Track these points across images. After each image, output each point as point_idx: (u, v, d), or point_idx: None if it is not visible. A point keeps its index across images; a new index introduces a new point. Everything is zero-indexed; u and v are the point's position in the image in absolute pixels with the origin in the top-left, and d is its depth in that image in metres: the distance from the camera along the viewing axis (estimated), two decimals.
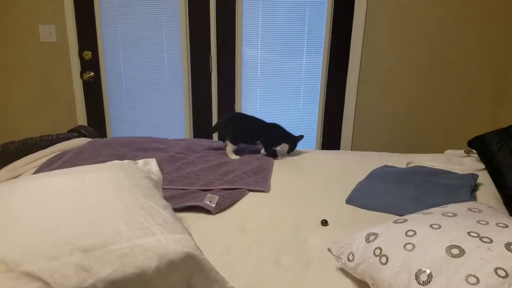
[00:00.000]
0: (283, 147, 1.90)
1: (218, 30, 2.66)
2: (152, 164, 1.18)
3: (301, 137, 1.92)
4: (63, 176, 0.99)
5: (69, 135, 2.04)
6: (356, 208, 1.40)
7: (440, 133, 2.64)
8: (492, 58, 2.45)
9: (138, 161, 1.18)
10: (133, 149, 1.83)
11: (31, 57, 2.81)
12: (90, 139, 2.00)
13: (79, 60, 2.80)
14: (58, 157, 1.73)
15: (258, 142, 1.91)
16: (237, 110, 2.80)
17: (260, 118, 1.93)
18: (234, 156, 1.85)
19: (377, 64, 2.56)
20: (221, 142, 2.01)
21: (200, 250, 0.86)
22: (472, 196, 1.36)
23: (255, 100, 2.78)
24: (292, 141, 1.90)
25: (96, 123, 2.95)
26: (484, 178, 1.48)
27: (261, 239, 1.21)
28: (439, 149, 2.50)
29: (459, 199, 1.34)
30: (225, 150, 1.88)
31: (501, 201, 1.33)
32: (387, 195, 1.41)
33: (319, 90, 2.70)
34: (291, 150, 1.91)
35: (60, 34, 2.75)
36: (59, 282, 0.73)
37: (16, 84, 2.88)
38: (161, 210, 0.93)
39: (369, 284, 0.97)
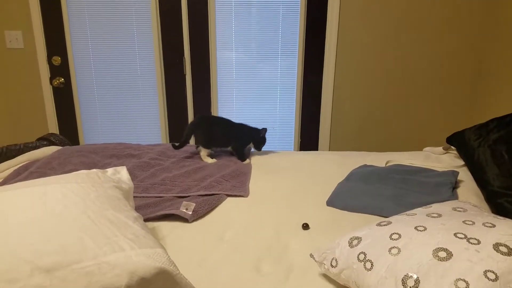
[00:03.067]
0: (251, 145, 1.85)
1: (191, 32, 2.58)
2: (122, 173, 1.10)
3: (265, 130, 1.84)
4: (23, 190, 0.90)
5: (37, 144, 1.92)
6: (337, 210, 1.34)
7: (417, 130, 2.63)
8: (466, 52, 2.46)
9: (108, 169, 1.09)
10: (104, 156, 1.73)
11: None
12: (60, 147, 1.88)
13: (48, 66, 2.67)
14: (25, 167, 1.61)
15: (229, 148, 1.84)
16: (213, 113, 2.72)
17: (227, 118, 1.87)
18: (210, 160, 1.77)
19: (352, 63, 2.54)
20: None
21: (174, 265, 0.78)
22: (453, 194, 1.33)
23: (232, 102, 2.71)
24: (258, 136, 1.83)
25: (68, 130, 2.82)
26: (464, 175, 1.45)
27: (240, 246, 1.15)
28: (417, 147, 2.50)
29: (440, 197, 1.31)
30: (200, 155, 1.80)
31: (482, 198, 1.31)
32: (367, 196, 1.36)
33: (295, 91, 2.65)
34: (260, 147, 1.85)
35: (27, 40, 2.61)
36: None
37: None
38: (131, 222, 0.85)
39: None
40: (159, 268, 0.75)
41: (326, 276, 1.01)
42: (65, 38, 2.62)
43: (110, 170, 1.09)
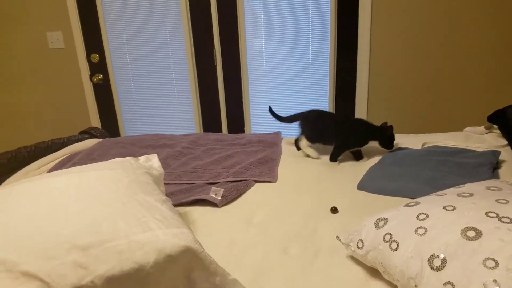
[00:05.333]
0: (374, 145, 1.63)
1: (220, 23, 2.61)
2: (153, 160, 1.16)
3: (391, 127, 1.60)
4: (62, 176, 0.98)
5: (80, 137, 2.04)
6: (368, 193, 1.33)
7: (459, 109, 2.51)
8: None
9: (140, 157, 1.15)
10: (141, 147, 1.81)
11: (41, 64, 2.84)
12: (100, 140, 1.99)
13: (87, 63, 2.81)
14: (69, 159, 1.73)
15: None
16: (244, 101, 2.74)
17: (342, 115, 1.72)
18: (310, 152, 1.65)
19: (388, 43, 2.45)
20: (229, 134, 1.97)
21: (199, 244, 0.82)
22: (493, 175, 1.27)
23: (262, 91, 2.72)
24: (381, 134, 1.59)
25: (109, 123, 2.97)
26: (507, 155, 1.38)
27: (268, 230, 1.17)
28: (458, 127, 2.39)
29: (479, 178, 1.26)
30: (300, 144, 1.69)
31: None
32: (400, 179, 1.33)
33: (328, 77, 2.61)
34: (388, 146, 1.61)
35: (67, 39, 2.77)
36: (57, 281, 0.73)
37: (28, 91, 2.92)
38: (159, 205, 0.90)
39: (381, 272, 0.91)
40: (185, 246, 0.79)
41: (353, 258, 1.01)
42: (101, 36, 2.75)
43: (142, 158, 1.15)
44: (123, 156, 1.66)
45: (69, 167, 1.61)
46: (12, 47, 2.83)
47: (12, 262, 0.73)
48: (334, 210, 1.25)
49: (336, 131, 1.63)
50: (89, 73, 2.84)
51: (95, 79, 2.83)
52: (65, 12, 2.70)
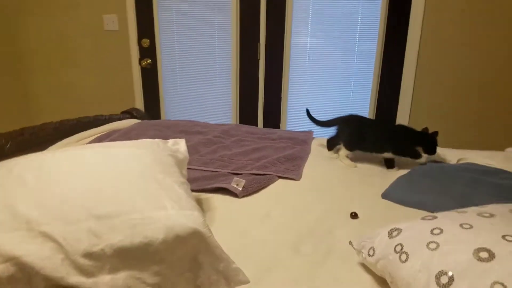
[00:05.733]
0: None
1: (267, 18, 2.63)
2: (181, 144, 1.21)
3: (436, 133, 1.56)
4: (93, 149, 1.04)
5: (121, 116, 2.15)
6: (392, 203, 1.30)
7: (505, 128, 2.37)
8: None
9: (169, 140, 1.21)
10: (175, 131, 1.88)
11: (95, 44, 3.01)
12: (139, 121, 2.09)
13: (138, 47, 2.94)
14: (108, 135, 1.83)
15: (385, 153, 1.59)
16: (283, 97, 2.75)
17: (384, 121, 1.69)
18: (348, 162, 1.61)
19: (438, 49, 2.36)
20: (261, 128, 2.00)
21: (208, 228, 0.85)
22: None
23: (302, 89, 2.71)
24: (426, 140, 1.54)
25: (152, 106, 3.09)
26: None
27: (283, 226, 1.18)
28: (501, 147, 2.26)
29: None
30: (339, 153, 1.67)
31: None
32: (428, 192, 1.29)
33: (371, 80, 2.56)
34: (432, 151, 1.55)
35: (121, 23, 2.91)
36: (71, 244, 0.78)
37: (82, 70, 3.10)
38: (177, 186, 0.94)
39: (388, 282, 0.90)
40: (194, 228, 0.82)
41: (364, 266, 1.00)
42: (153, 22, 2.86)
43: (171, 141, 1.20)
44: (158, 137, 1.74)
45: (108, 142, 1.71)
46: (70, 28, 3.01)
47: (36, 221, 0.80)
48: (354, 215, 1.24)
49: (383, 137, 1.58)
50: (139, 57, 2.96)
51: (143, 63, 2.96)
52: None
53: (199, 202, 1.29)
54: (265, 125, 2.89)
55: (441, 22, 2.31)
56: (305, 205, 1.31)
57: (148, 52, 2.95)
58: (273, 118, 2.86)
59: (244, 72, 2.81)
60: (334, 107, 2.68)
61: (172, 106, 3.05)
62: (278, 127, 2.86)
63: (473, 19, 2.25)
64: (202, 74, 2.90)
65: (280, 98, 2.77)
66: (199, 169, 1.51)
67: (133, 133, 1.84)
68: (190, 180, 1.39)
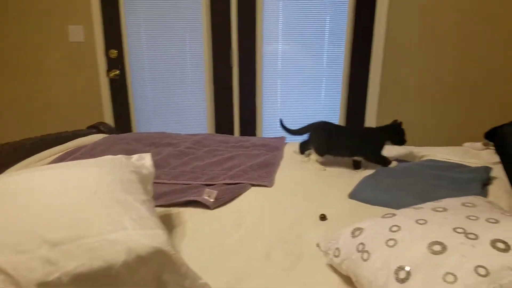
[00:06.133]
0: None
1: (239, 25, 2.67)
2: (146, 159, 1.21)
3: (395, 121, 1.66)
4: (47, 171, 1.01)
5: (87, 132, 2.13)
6: (359, 203, 1.36)
7: (464, 124, 2.49)
8: None
9: (134, 155, 1.22)
10: (145, 144, 1.89)
11: (61, 56, 2.97)
12: (107, 135, 2.08)
13: (105, 58, 2.93)
14: (71, 153, 1.79)
15: (356, 157, 1.69)
16: (257, 104, 2.80)
17: (352, 127, 1.78)
18: (318, 166, 1.68)
19: (403, 51, 2.46)
20: (234, 136, 2.03)
21: (172, 246, 0.86)
22: (483, 190, 1.28)
23: (276, 94, 2.77)
24: (392, 133, 1.65)
25: (122, 119, 3.07)
26: (500, 172, 1.38)
27: (255, 234, 1.21)
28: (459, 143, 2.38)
29: (469, 193, 1.27)
30: (310, 158, 1.73)
31: None
32: (392, 190, 1.36)
33: (341, 83, 2.64)
34: (400, 142, 1.65)
35: (88, 34, 2.89)
36: (23, 275, 0.75)
37: (47, 82, 3.05)
38: (138, 204, 0.94)
39: (353, 281, 0.95)
40: (156, 247, 0.82)
41: (332, 267, 1.05)
42: (121, 33, 2.85)
43: (135, 156, 1.21)
44: (125, 152, 1.72)
45: (70, 161, 1.69)
46: (34, 39, 2.97)
47: None
48: (323, 217, 1.28)
49: (355, 142, 1.67)
50: (106, 68, 2.95)
51: (111, 75, 2.94)
52: (87, 6, 2.82)
53: (168, 217, 1.30)
54: (241, 133, 2.92)
55: (404, 27, 2.41)
56: (277, 211, 1.34)
57: (116, 63, 2.93)
58: (249, 126, 2.90)
59: (218, 80, 2.84)
60: (307, 111, 2.74)
61: (144, 118, 3.05)
62: (254, 134, 2.90)
63: (435, 21, 2.36)
64: (174, 83, 2.91)
65: (255, 105, 2.81)
66: (169, 183, 1.53)
67: (99, 149, 1.82)
68: (159, 195, 1.40)
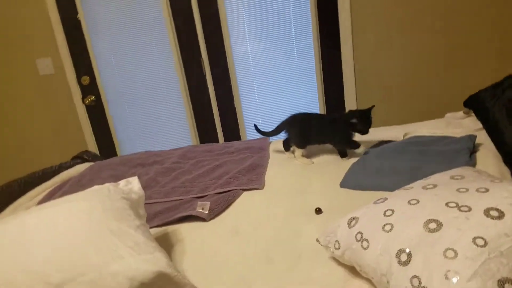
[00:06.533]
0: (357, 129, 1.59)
1: (205, 33, 2.66)
2: (133, 183, 1.19)
3: (369, 108, 1.59)
4: (37, 213, 1.00)
5: (72, 163, 2.10)
6: (351, 190, 1.36)
7: (446, 96, 2.52)
8: (491, 15, 2.32)
9: (120, 181, 1.19)
10: (131, 166, 1.86)
11: (33, 91, 2.91)
12: (92, 163, 2.05)
13: (78, 86, 2.88)
14: (59, 187, 1.77)
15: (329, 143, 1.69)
16: (237, 106, 2.79)
17: (322, 113, 1.73)
18: (305, 161, 1.67)
19: (368, 34, 2.48)
20: (217, 144, 2.02)
21: (173, 267, 0.86)
22: (471, 159, 1.29)
23: (253, 94, 2.76)
24: (358, 116, 1.57)
25: (105, 144, 3.03)
26: (485, 137, 1.40)
27: (254, 239, 1.20)
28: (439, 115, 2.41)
29: (458, 164, 1.28)
30: (294, 155, 1.72)
31: (501, 159, 1.26)
32: (381, 173, 1.36)
33: (314, 73, 2.64)
34: (363, 129, 1.58)
35: (57, 65, 2.84)
36: None
37: (23, 120, 2.99)
38: (133, 231, 0.93)
39: (358, 270, 0.94)
40: (157, 271, 0.82)
41: (335, 259, 1.05)
42: (90, 58, 2.81)
43: (122, 182, 1.19)
44: (113, 178, 1.71)
45: (60, 196, 1.65)
46: (2, 76, 2.90)
47: None
48: (318, 211, 1.28)
49: (323, 129, 1.66)
50: (81, 96, 2.91)
51: (87, 101, 2.90)
52: (52, 38, 2.78)
53: (166, 236, 1.28)
54: (226, 139, 2.91)
55: (369, 10, 2.42)
56: (272, 212, 1.34)
57: (90, 89, 2.89)
58: (233, 131, 2.89)
59: (193, 90, 2.82)
60: (287, 107, 2.74)
61: (127, 139, 3.01)
62: (239, 138, 2.89)
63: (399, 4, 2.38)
64: (151, 100, 2.88)
65: (235, 109, 2.80)
66: (162, 201, 1.51)
67: (86, 179, 1.79)
68: (153, 215, 1.38)
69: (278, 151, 1.84)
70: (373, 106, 1.61)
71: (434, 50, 2.44)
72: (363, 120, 1.58)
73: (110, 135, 3.00)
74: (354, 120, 1.58)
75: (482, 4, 2.31)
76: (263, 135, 1.84)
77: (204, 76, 2.76)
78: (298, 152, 1.70)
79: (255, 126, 1.84)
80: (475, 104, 1.39)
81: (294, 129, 1.71)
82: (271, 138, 1.98)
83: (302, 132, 1.69)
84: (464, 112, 1.63)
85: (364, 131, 1.59)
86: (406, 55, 2.48)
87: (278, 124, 1.76)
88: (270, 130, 1.80)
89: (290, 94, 2.72)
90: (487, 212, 0.77)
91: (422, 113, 2.57)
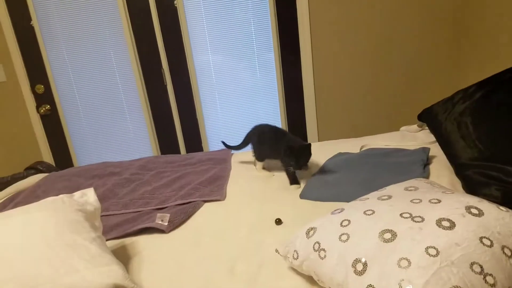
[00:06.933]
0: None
1: (165, 42, 2.63)
2: (89, 194, 1.15)
3: (298, 145, 1.48)
4: None
5: (25, 174, 1.99)
6: (311, 201, 1.38)
7: (403, 108, 2.63)
8: (444, 24, 2.45)
9: (75, 193, 1.15)
10: (87, 178, 1.79)
11: None
12: (46, 174, 1.95)
13: (32, 95, 2.75)
14: (11, 199, 1.68)
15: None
16: (198, 117, 2.77)
17: (283, 128, 1.65)
18: (265, 173, 1.66)
19: (327, 49, 2.55)
20: (179, 155, 1.99)
21: (130, 279, 0.83)
22: (424, 171, 1.35)
23: (215, 105, 2.76)
24: (296, 152, 1.46)
25: (61, 154, 2.90)
26: (437, 150, 1.47)
27: (215, 250, 1.19)
28: (394, 128, 2.50)
29: (412, 176, 1.33)
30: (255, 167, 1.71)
31: (453, 171, 1.32)
32: (338, 184, 1.39)
33: (276, 87, 2.68)
34: (297, 164, 1.47)
35: (9, 72, 2.70)
36: None
37: None
38: (88, 243, 0.90)
39: (316, 280, 0.95)
40: (113, 284, 0.79)
41: (295, 270, 1.05)
42: (45, 66, 2.70)
43: (77, 194, 1.14)
44: (69, 189, 1.64)
45: (13, 207, 1.57)
46: None
47: None
48: (278, 221, 1.28)
49: (275, 147, 1.58)
50: (35, 105, 2.78)
51: (42, 110, 2.78)
52: (4, 44, 2.64)
53: (123, 249, 1.24)
54: (188, 150, 2.87)
55: (327, 19, 2.49)
56: (233, 223, 1.32)
57: (45, 98, 2.77)
58: (195, 141, 2.85)
59: (154, 100, 2.78)
60: (249, 118, 2.75)
61: (84, 150, 2.90)
62: (201, 149, 2.86)
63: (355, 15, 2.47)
64: (109, 110, 2.80)
65: (197, 119, 2.78)
66: (119, 213, 1.46)
67: (41, 190, 1.71)
68: (111, 227, 1.33)
69: (241, 162, 1.83)
70: (310, 144, 1.50)
71: (392, 64, 2.55)
72: (297, 157, 1.46)
73: (66, 145, 2.88)
74: (288, 158, 1.48)
75: (441, 20, 2.44)
76: (232, 148, 1.83)
77: (165, 86, 2.73)
78: (259, 164, 1.70)
79: (223, 143, 1.83)
80: (428, 118, 1.45)
81: (253, 141, 1.71)
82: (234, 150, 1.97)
83: (259, 144, 1.69)
84: (418, 126, 1.71)
85: (296, 168, 1.49)
86: (365, 69, 2.57)
87: (244, 136, 1.76)
88: (235, 144, 1.80)
89: (252, 107, 2.74)
90: (439, 223, 0.80)
91: (379, 127, 2.67)
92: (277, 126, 1.70)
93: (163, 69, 2.68)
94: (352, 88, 2.62)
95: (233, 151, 1.97)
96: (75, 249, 0.87)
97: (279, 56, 2.62)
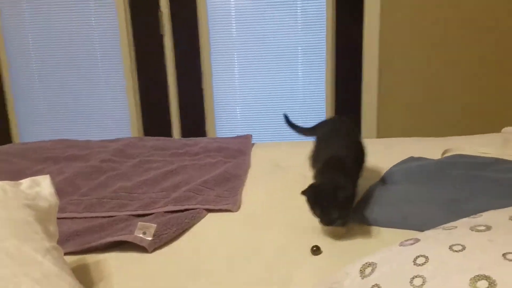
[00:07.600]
0: None
1: None
2: (43, 185, 1.18)
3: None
4: None
5: None
6: (364, 225, 1.38)
7: (495, 104, 2.62)
8: None
9: (22, 181, 1.17)
10: (37, 160, 1.83)
11: None
12: None
13: None
14: None
15: None
16: (205, 88, 2.78)
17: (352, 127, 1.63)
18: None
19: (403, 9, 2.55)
20: (174, 139, 2.01)
21: None
22: None
23: (232, 69, 2.74)
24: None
25: None
26: None
27: (220, 285, 1.20)
28: (495, 128, 2.50)
29: None
30: None
31: None
32: (409, 203, 1.40)
33: (325, 48, 2.68)
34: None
35: None
36: None
37: None
38: (40, 257, 0.92)
39: None
40: None
41: None
42: None
43: (25, 182, 1.16)
44: (6, 175, 1.67)
45: None
46: None
47: None
48: (315, 250, 1.30)
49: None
50: None
51: None
52: None
53: (85, 269, 1.27)
54: (184, 134, 2.90)
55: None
56: (249, 247, 1.35)
57: None
58: (195, 123, 2.87)
59: (142, 55, 2.80)
60: (278, 91, 2.73)
61: (33, 121, 2.95)
62: (203, 134, 2.88)
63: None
64: (74, 63, 2.85)
65: (202, 90, 2.79)
66: (80, 218, 1.49)
67: None
68: (67, 236, 1.37)
69: (264, 159, 1.85)
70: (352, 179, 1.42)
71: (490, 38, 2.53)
72: (323, 205, 1.35)
73: (6, 113, 2.93)
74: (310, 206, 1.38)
75: None
76: (295, 130, 1.78)
77: (161, 36, 2.74)
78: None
79: (286, 117, 1.78)
80: None
81: (317, 137, 1.68)
82: (255, 139, 1.99)
83: (314, 146, 1.65)
84: None
85: (323, 224, 1.37)
86: (450, 42, 2.56)
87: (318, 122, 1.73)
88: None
89: (286, 74, 2.71)
90: None
91: (468, 124, 2.65)
92: (350, 123, 1.66)
93: (161, 12, 2.68)
94: (432, 67, 2.61)
95: (256, 140, 1.97)
96: (22, 264, 0.88)
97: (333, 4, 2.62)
